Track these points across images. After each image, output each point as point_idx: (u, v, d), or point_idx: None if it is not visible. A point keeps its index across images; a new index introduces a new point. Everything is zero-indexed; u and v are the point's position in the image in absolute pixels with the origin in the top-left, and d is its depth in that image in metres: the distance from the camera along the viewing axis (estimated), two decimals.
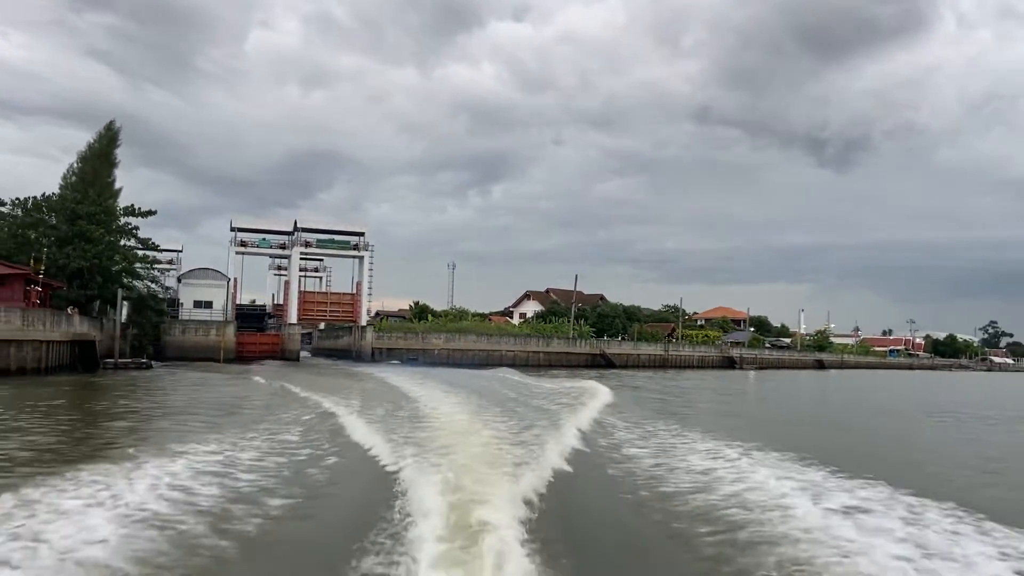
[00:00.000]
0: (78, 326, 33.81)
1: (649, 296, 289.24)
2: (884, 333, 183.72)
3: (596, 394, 26.97)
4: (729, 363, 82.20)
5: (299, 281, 60.19)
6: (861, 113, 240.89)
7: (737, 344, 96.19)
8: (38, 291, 33.73)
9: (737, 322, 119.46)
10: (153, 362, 39.36)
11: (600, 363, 65.39)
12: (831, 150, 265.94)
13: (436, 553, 6.81)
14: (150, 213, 42.07)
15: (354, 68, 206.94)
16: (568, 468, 11.94)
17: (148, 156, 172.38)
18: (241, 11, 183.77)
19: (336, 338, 66.53)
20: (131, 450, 12.08)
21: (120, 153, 42.97)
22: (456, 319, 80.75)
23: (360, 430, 15.53)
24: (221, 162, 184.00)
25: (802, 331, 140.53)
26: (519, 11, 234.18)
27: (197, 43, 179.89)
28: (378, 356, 56.02)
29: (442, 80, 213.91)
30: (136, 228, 41.83)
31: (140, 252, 42.68)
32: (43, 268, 34.13)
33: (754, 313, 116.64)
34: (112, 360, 35.69)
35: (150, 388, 26.43)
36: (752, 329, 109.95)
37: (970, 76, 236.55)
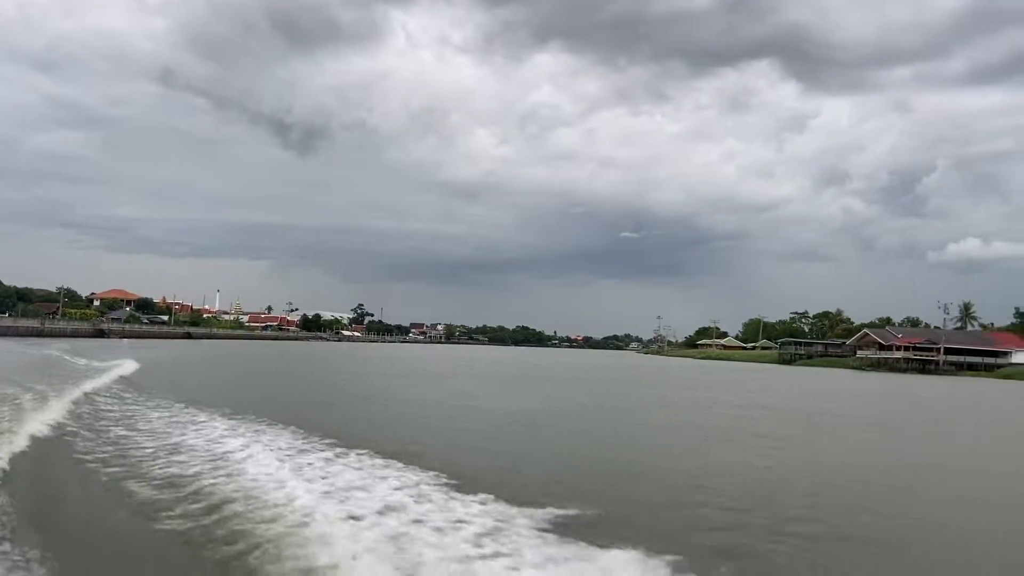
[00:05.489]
0: None
1: (90, 265, 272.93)
2: (292, 310, 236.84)
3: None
4: (100, 334, 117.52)
5: None
6: (323, 105, 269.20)
7: (116, 320, 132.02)
8: None
9: (130, 302, 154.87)
10: None
11: None
12: (295, 135, 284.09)
13: None
14: None
15: None
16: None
17: None
18: None
19: None
20: None
21: None
22: None
23: None
24: None
25: (217, 308, 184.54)
26: None
27: None
28: None
29: None
30: None
31: None
32: None
33: (197, 291, 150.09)
34: None
35: None
36: (129, 308, 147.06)
37: (414, 89, 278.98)
